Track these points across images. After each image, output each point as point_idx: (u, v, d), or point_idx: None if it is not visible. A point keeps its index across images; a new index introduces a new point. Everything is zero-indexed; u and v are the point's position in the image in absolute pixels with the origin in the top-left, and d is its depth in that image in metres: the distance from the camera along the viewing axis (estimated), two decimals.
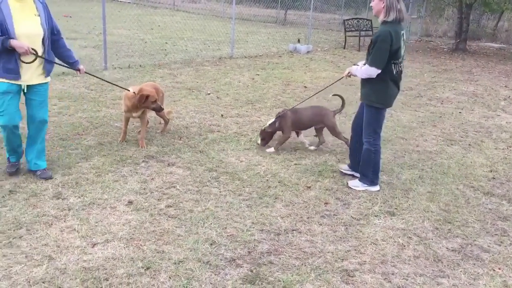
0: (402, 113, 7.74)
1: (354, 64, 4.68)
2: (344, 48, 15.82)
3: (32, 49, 4.01)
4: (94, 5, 18.50)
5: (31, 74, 4.14)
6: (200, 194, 4.31)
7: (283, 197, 4.37)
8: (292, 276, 3.20)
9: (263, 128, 5.57)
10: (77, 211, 3.85)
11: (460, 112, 8.10)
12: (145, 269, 3.15)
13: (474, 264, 3.51)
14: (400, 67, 4.36)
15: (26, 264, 3.12)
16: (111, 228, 3.63)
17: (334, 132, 5.59)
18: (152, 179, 4.55)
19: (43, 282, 2.96)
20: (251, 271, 3.23)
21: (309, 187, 4.64)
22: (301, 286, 3.11)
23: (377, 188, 4.64)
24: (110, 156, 5.00)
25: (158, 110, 5.36)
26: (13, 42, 3.89)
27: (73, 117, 6.19)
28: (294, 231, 3.78)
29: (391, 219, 4.10)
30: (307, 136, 5.93)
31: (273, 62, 11.92)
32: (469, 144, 6.34)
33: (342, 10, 23.61)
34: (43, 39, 4.12)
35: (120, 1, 26.27)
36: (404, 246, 3.68)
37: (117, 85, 5.42)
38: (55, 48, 4.36)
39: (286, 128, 5.48)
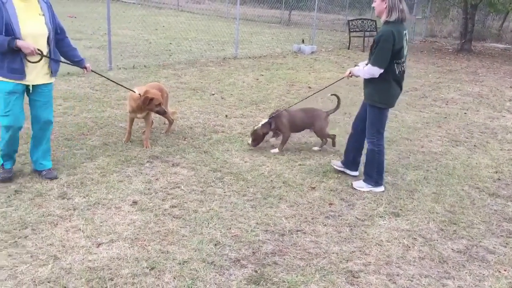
0: (407, 114, 7.72)
1: (356, 65, 4.68)
2: (349, 48, 15.80)
3: (38, 49, 4.03)
4: (99, 6, 18.57)
5: (36, 74, 4.15)
6: (204, 194, 4.32)
7: (287, 198, 4.37)
8: (296, 276, 3.19)
9: (254, 128, 5.49)
10: (82, 211, 3.86)
11: (465, 113, 8.08)
12: (149, 269, 3.16)
13: (479, 265, 3.49)
14: (403, 67, 4.36)
15: (31, 264, 3.13)
16: (116, 228, 3.64)
17: (320, 134, 5.60)
18: (156, 179, 4.56)
19: (48, 282, 2.97)
20: (256, 271, 3.23)
21: (314, 187, 4.63)
22: (305, 287, 3.10)
23: (381, 189, 4.64)
24: (115, 156, 5.01)
25: (162, 113, 5.37)
26: (19, 43, 3.90)
27: (78, 117, 6.21)
28: (298, 232, 3.78)
29: (396, 220, 4.09)
30: (311, 137, 5.92)
31: (277, 63, 11.92)
32: (474, 145, 6.32)
33: (346, 11, 23.58)
34: (48, 38, 4.14)
35: (125, 2, 26.35)
36: (409, 247, 3.67)
37: (122, 86, 5.42)
38: (60, 47, 4.37)
39: (284, 128, 5.45)
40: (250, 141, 5.49)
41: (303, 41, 15.48)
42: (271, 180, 4.72)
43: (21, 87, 4.12)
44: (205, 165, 4.98)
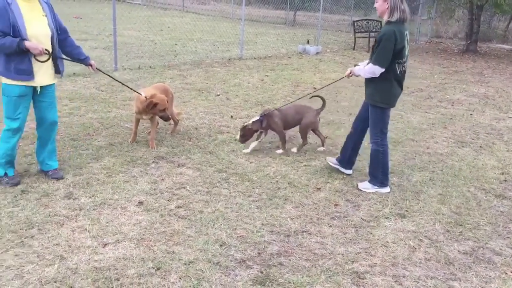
0: (413, 115, 7.70)
1: (356, 65, 4.69)
2: (354, 49, 15.77)
3: (45, 49, 4.05)
4: (105, 7, 18.63)
5: (42, 74, 4.15)
6: (210, 195, 4.32)
7: (292, 199, 4.37)
8: (302, 277, 3.19)
9: (244, 124, 5.43)
10: (88, 211, 3.87)
11: (471, 114, 8.04)
12: (155, 270, 3.16)
13: (486, 267, 3.48)
14: (404, 67, 4.37)
15: (38, 264, 3.15)
16: (121, 229, 3.65)
17: (303, 131, 5.55)
18: (162, 179, 4.57)
19: (54, 282, 2.98)
20: (261, 272, 3.23)
21: (319, 188, 4.63)
22: None
23: (387, 189, 4.63)
24: (121, 157, 5.02)
25: (165, 119, 5.37)
26: (27, 44, 3.92)
27: (84, 118, 6.23)
28: (304, 233, 3.78)
29: (401, 221, 4.08)
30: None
31: (282, 63, 11.92)
32: (480, 146, 6.29)
33: (351, 11, 23.56)
34: (51, 39, 4.15)
35: (130, 3, 26.43)
36: (415, 248, 3.66)
37: (129, 87, 5.43)
38: (63, 47, 4.37)
39: (278, 127, 5.42)
40: (238, 137, 5.45)
41: (308, 41, 15.47)
42: (277, 181, 4.72)
43: (30, 90, 4.13)
44: (211, 165, 4.99)
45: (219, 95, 8.11)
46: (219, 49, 13.36)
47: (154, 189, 4.35)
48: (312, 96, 5.78)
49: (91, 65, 4.59)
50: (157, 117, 5.54)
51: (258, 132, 5.52)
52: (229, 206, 4.13)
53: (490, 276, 3.37)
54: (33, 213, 3.76)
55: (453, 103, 8.85)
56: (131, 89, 5.40)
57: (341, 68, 11.85)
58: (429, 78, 11.44)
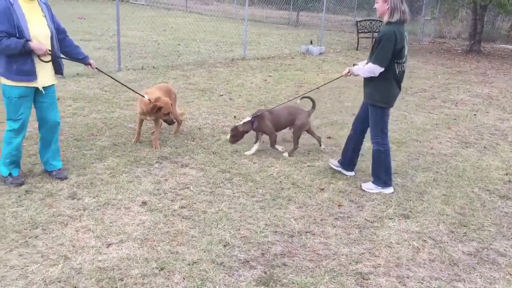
0: (416, 115, 7.68)
1: (354, 64, 4.71)
2: (357, 49, 15.75)
3: (48, 49, 4.07)
4: (108, 7, 18.66)
5: (44, 75, 4.16)
6: (213, 195, 4.32)
7: (296, 199, 4.36)
8: (306, 278, 3.19)
9: (235, 125, 5.40)
10: (92, 211, 3.88)
11: (475, 115, 8.02)
12: (159, 270, 3.17)
13: (490, 268, 3.47)
14: (403, 67, 4.39)
15: (42, 264, 3.15)
16: (125, 229, 3.65)
17: (296, 134, 5.47)
18: (165, 180, 4.57)
19: (59, 282, 2.98)
20: (265, 272, 3.23)
21: (323, 189, 4.62)
22: None
23: (391, 190, 4.62)
24: (124, 157, 5.03)
25: (169, 122, 5.37)
26: (32, 45, 3.93)
27: (88, 118, 6.24)
28: (307, 233, 3.77)
29: (405, 222, 4.07)
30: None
31: (286, 64, 11.91)
32: (484, 147, 6.27)
33: (354, 12, 23.53)
34: (51, 39, 4.15)
35: (134, 3, 26.46)
36: (419, 249, 3.65)
37: (131, 89, 5.42)
38: (62, 47, 4.38)
39: (268, 129, 5.34)
40: (228, 137, 5.40)
41: (311, 42, 15.46)
42: (280, 181, 4.72)
43: (31, 90, 4.13)
44: (214, 166, 4.99)
45: (222, 95, 8.12)
46: (222, 49, 13.37)
47: (157, 189, 4.35)
48: (303, 97, 5.72)
49: (90, 64, 4.60)
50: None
51: (256, 134, 5.49)
52: (232, 206, 4.13)
53: (494, 277, 3.35)
54: (37, 213, 3.77)
55: (456, 103, 8.83)
56: (133, 90, 5.40)
57: (344, 69, 11.82)
58: (433, 78, 11.42)
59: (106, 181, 4.44)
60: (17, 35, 3.88)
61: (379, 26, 16.83)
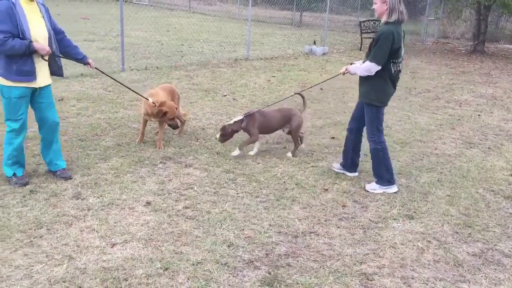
0: (420, 116, 7.67)
1: (351, 63, 4.73)
2: (360, 49, 15.73)
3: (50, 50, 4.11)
4: (112, 7, 18.69)
5: (42, 75, 4.17)
6: (217, 195, 4.32)
7: (300, 199, 4.36)
8: (310, 278, 3.18)
9: (224, 124, 5.31)
10: (96, 211, 3.89)
11: (479, 115, 8.00)
12: (163, 270, 3.17)
13: (495, 269, 3.46)
14: (399, 67, 4.44)
15: (47, 264, 3.16)
16: (129, 229, 3.65)
17: (295, 134, 5.43)
18: (169, 180, 4.58)
19: (63, 282, 2.99)
20: (269, 273, 3.22)
21: (326, 189, 4.62)
22: None
23: (395, 188, 4.61)
24: (128, 157, 5.04)
25: (174, 127, 5.37)
26: (36, 46, 3.95)
27: (92, 118, 6.26)
28: (312, 234, 3.77)
29: (410, 222, 4.06)
30: (324, 138, 5.89)
31: (289, 64, 11.91)
32: (489, 147, 6.26)
33: (358, 12, 23.50)
34: (49, 40, 4.16)
35: (137, 4, 26.51)
36: (424, 250, 3.64)
37: (137, 93, 5.42)
38: (61, 47, 4.40)
39: (253, 130, 5.22)
40: (218, 136, 5.30)
41: (314, 42, 15.45)
42: (284, 182, 4.71)
43: (30, 91, 4.14)
44: (218, 166, 4.99)
45: (225, 95, 8.12)
46: (225, 49, 13.37)
47: (161, 190, 4.35)
48: (295, 94, 5.69)
49: (89, 64, 4.60)
50: None
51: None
52: (236, 206, 4.13)
53: (499, 278, 3.34)
54: (42, 213, 3.78)
55: (460, 104, 8.81)
56: (137, 93, 5.38)
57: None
58: (437, 78, 11.39)
59: (110, 181, 4.45)
60: (20, 35, 3.88)
61: None
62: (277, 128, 5.44)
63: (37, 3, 4.12)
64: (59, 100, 6.91)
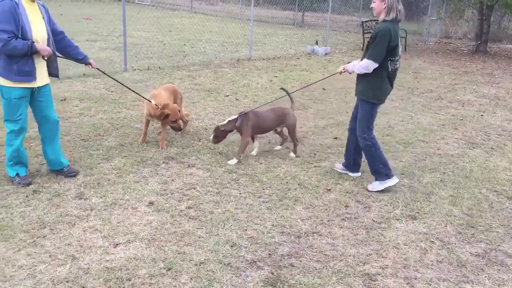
0: (423, 116, 7.66)
1: (349, 62, 4.76)
2: (362, 49, 15.60)
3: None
4: (114, 8, 18.71)
5: (41, 74, 4.18)
6: (220, 195, 4.32)
7: (303, 200, 4.36)
8: (313, 279, 3.18)
9: (217, 125, 5.22)
10: (99, 211, 3.89)
11: (481, 115, 7.98)
12: (166, 270, 3.17)
13: (498, 269, 3.45)
14: (396, 65, 4.47)
15: (50, 264, 3.16)
16: (132, 229, 3.66)
17: (292, 132, 5.41)
18: (172, 180, 4.58)
19: (67, 282, 2.99)
20: (272, 273, 3.22)
21: (329, 189, 4.61)
22: None
23: (396, 180, 4.63)
24: (131, 157, 5.04)
25: (177, 129, 5.37)
26: (38, 46, 3.96)
27: (94, 118, 6.26)
28: (314, 234, 3.77)
29: (413, 223, 4.05)
30: (326, 138, 5.89)
31: (291, 64, 11.91)
32: (492, 148, 6.24)
33: (360, 12, 23.46)
34: (47, 41, 4.17)
35: (139, 4, 26.53)
36: (427, 250, 3.63)
37: (140, 95, 5.42)
38: (62, 48, 4.40)
39: (246, 131, 5.11)
40: (211, 137, 5.21)
41: (316, 42, 15.44)
42: (287, 182, 4.71)
43: (29, 91, 4.15)
44: (220, 166, 4.99)
45: (228, 95, 8.12)
46: (227, 49, 13.37)
47: (164, 190, 4.36)
48: (283, 95, 5.65)
49: (90, 64, 4.61)
50: None
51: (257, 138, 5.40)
52: (239, 207, 4.13)
53: (503, 279, 3.34)
54: (45, 213, 3.79)
55: (463, 104, 8.79)
56: (143, 97, 5.37)
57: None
58: (439, 78, 11.37)
59: (113, 181, 4.46)
60: (20, 35, 3.89)
61: None
62: (271, 128, 5.39)
63: (37, 4, 4.13)
64: (61, 100, 6.93)
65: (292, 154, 5.42)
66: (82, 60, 4.56)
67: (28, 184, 4.24)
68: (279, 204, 4.23)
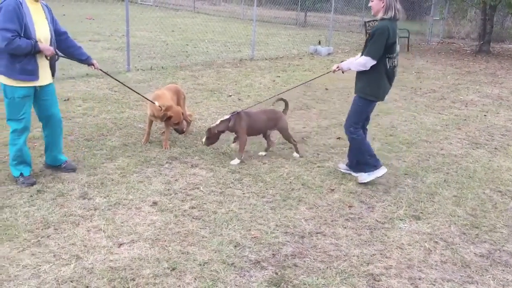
0: (426, 116, 7.64)
1: (342, 61, 4.81)
2: None
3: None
4: (117, 8, 18.74)
5: (44, 73, 4.18)
6: (223, 195, 4.32)
7: (306, 200, 4.35)
8: (317, 279, 3.18)
9: (211, 126, 5.18)
10: (103, 211, 3.89)
11: (485, 115, 7.97)
12: (170, 270, 3.17)
13: (503, 270, 3.44)
14: (394, 62, 4.51)
15: (54, 263, 3.17)
16: (136, 229, 3.66)
17: (287, 135, 5.38)
18: (176, 180, 4.58)
19: (71, 281, 2.99)
20: (276, 273, 3.22)
21: (333, 189, 4.61)
22: None
23: (384, 170, 4.71)
24: (134, 157, 5.05)
25: (179, 132, 5.37)
26: (41, 46, 3.97)
27: (98, 118, 6.27)
28: (318, 234, 3.76)
29: (416, 223, 4.05)
30: (330, 138, 5.88)
31: (294, 64, 11.90)
32: (495, 148, 6.23)
33: (362, 12, 23.45)
34: (50, 41, 4.18)
35: (142, 4, 26.57)
36: (431, 251, 3.63)
37: (144, 97, 5.42)
38: (65, 48, 4.41)
39: (241, 129, 5.10)
40: (203, 140, 5.18)
41: (319, 42, 15.44)
42: (290, 182, 4.71)
43: (33, 90, 4.16)
44: (224, 166, 4.99)
45: (231, 95, 8.12)
46: (230, 49, 13.38)
47: (168, 190, 4.36)
48: (278, 100, 5.54)
49: (93, 65, 4.61)
50: None
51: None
52: (243, 207, 4.13)
53: (507, 279, 3.33)
54: (49, 213, 3.79)
55: (466, 104, 8.78)
56: (146, 98, 5.37)
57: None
58: (442, 79, 11.36)
59: (116, 181, 4.46)
60: (23, 34, 3.90)
61: None
62: (263, 130, 5.34)
63: (41, 4, 4.14)
64: (65, 100, 6.94)
65: (295, 154, 5.41)
66: (85, 60, 4.56)
67: (32, 184, 4.25)
68: (282, 204, 4.22)
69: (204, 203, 4.14)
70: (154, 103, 5.18)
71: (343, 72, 4.76)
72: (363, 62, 4.42)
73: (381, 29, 4.32)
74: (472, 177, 5.15)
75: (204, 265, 3.25)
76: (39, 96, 4.25)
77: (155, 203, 4.09)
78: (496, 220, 4.19)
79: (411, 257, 3.52)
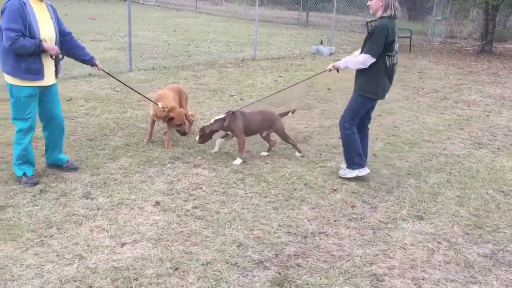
0: (428, 116, 7.63)
1: (337, 60, 4.84)
2: None
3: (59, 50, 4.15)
4: (119, 8, 18.74)
5: (48, 73, 4.19)
6: (226, 195, 4.32)
7: (309, 200, 4.35)
8: (320, 279, 3.18)
9: (205, 125, 5.21)
10: (106, 211, 3.90)
11: (487, 115, 7.95)
12: (173, 270, 3.17)
13: (506, 270, 3.43)
14: (393, 60, 4.53)
15: (57, 263, 3.17)
16: (139, 228, 3.66)
17: (284, 136, 5.38)
18: (178, 180, 4.58)
19: (74, 281, 3.00)
20: (279, 273, 3.22)
21: (335, 189, 4.60)
22: None
23: (367, 170, 4.77)
24: (137, 157, 5.05)
25: (182, 133, 5.37)
26: (45, 45, 3.97)
27: (100, 118, 6.27)
28: (321, 234, 3.76)
29: (419, 223, 4.04)
30: (332, 138, 5.88)
31: (296, 64, 11.90)
32: (498, 148, 6.22)
33: (364, 12, 23.43)
34: (55, 40, 4.18)
35: (144, 4, 26.58)
36: (434, 251, 3.62)
37: (147, 98, 5.42)
38: (69, 48, 4.40)
39: (237, 129, 5.08)
40: (197, 138, 5.20)
41: (321, 42, 15.43)
42: (293, 182, 4.71)
43: (38, 90, 4.16)
44: (226, 166, 4.99)
45: (233, 95, 8.12)
46: (232, 49, 13.38)
47: (170, 189, 4.36)
48: (273, 94, 5.59)
49: (96, 65, 4.62)
50: None
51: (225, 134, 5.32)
52: (245, 207, 4.13)
53: (511, 280, 3.32)
54: (52, 213, 3.79)
55: (469, 104, 8.76)
56: (150, 100, 5.37)
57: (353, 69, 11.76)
58: (444, 78, 11.34)
59: (119, 181, 4.46)
60: (27, 34, 3.90)
61: None
62: (258, 130, 5.33)
63: (45, 3, 4.14)
64: (67, 100, 6.94)
65: (298, 154, 5.41)
66: (89, 61, 4.57)
67: (35, 184, 4.25)
68: (285, 204, 4.22)
69: (207, 203, 4.14)
70: (157, 104, 5.18)
71: (338, 71, 4.76)
72: (362, 60, 4.43)
73: (380, 27, 4.35)
74: (475, 177, 5.14)
75: (207, 265, 3.25)
76: (42, 97, 4.26)
77: (157, 203, 4.09)
78: (499, 220, 4.18)
79: (414, 257, 3.52)
